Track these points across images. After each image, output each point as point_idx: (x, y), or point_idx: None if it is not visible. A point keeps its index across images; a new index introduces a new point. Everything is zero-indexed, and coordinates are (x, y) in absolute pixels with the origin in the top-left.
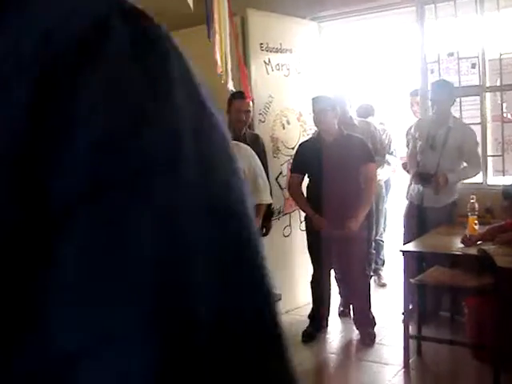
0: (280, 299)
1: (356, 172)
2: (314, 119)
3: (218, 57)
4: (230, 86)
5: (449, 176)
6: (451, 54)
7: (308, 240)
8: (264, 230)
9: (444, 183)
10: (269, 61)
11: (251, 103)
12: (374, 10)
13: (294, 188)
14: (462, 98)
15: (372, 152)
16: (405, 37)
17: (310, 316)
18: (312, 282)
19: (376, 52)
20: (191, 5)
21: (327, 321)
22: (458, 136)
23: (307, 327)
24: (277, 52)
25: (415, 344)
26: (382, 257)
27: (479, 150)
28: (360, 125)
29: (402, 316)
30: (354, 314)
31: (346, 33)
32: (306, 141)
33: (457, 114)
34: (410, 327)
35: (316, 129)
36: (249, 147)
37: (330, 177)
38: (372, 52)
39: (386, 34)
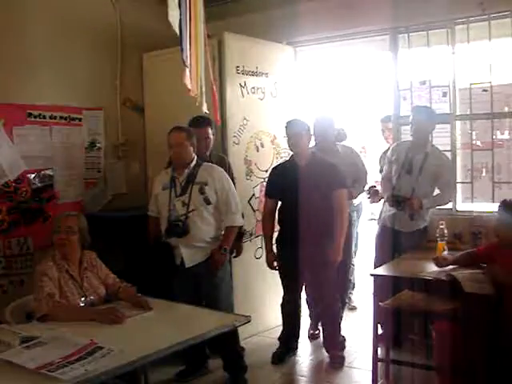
0: (250, 321)
1: (328, 197)
2: (289, 143)
3: (188, 80)
4: (204, 109)
5: (423, 201)
6: (423, 83)
7: (279, 263)
8: (235, 252)
9: (418, 208)
10: (244, 84)
11: (210, 130)
12: (348, 37)
13: (266, 214)
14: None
15: (344, 178)
16: (378, 64)
17: (280, 338)
18: (282, 305)
19: (350, 78)
20: (176, 27)
21: (297, 343)
22: (434, 162)
23: (277, 349)
24: (253, 75)
25: (383, 367)
26: (352, 280)
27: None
28: (342, 150)
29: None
30: (323, 337)
31: (321, 58)
32: (279, 164)
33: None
34: (380, 350)
35: (290, 152)
36: (222, 169)
37: (303, 201)
38: (346, 77)
39: (360, 60)
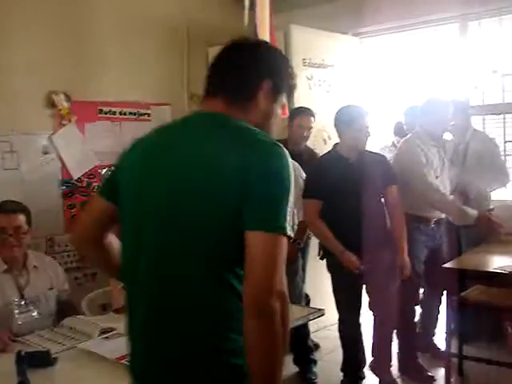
0: (324, 314)
1: (379, 195)
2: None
3: None
4: None
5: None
6: (495, 71)
7: (333, 281)
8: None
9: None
10: (311, 76)
11: (313, 119)
12: (415, 27)
13: (314, 218)
14: (506, 115)
15: (395, 173)
16: (448, 53)
17: (342, 369)
18: (342, 331)
19: (418, 68)
20: (246, 20)
21: (363, 372)
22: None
23: (342, 381)
24: (319, 67)
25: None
26: None
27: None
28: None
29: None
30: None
31: (388, 48)
32: (323, 158)
33: (500, 131)
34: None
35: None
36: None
37: (357, 200)
38: (413, 67)
39: (428, 49)
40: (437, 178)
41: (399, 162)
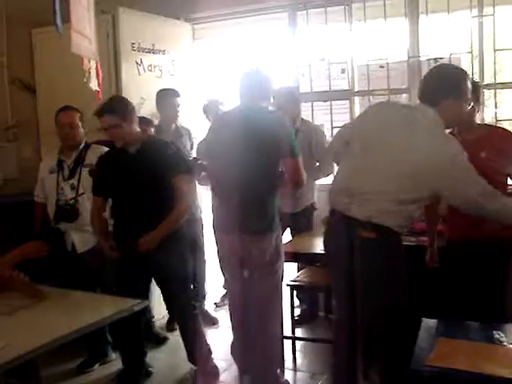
0: (148, 305)
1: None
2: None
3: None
4: (93, 86)
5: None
6: (322, 59)
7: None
8: None
9: None
10: (141, 61)
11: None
12: (247, 14)
13: (95, 213)
14: (333, 102)
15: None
16: (278, 41)
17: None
18: None
19: (249, 56)
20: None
21: None
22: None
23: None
24: (149, 52)
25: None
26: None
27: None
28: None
29: None
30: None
31: (220, 36)
32: (106, 153)
33: (327, 118)
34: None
35: None
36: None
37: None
38: (245, 56)
39: (259, 37)
40: None
41: None
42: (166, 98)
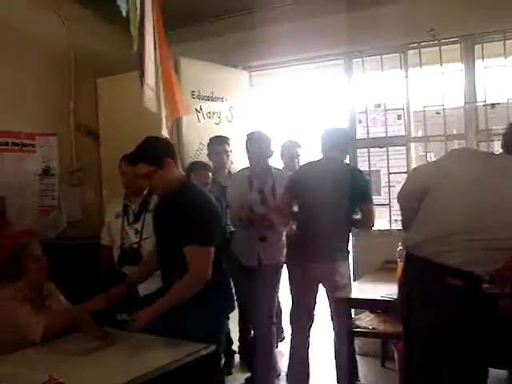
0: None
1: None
2: None
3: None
4: (164, 134)
5: None
6: (378, 106)
7: None
8: None
9: None
10: (200, 108)
11: (227, 147)
12: (303, 62)
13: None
14: (389, 148)
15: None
16: (334, 88)
17: None
18: None
19: (306, 102)
20: (135, 47)
21: None
22: None
23: None
24: (208, 100)
25: None
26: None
27: None
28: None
29: None
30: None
31: (277, 83)
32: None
33: (383, 163)
34: None
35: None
36: None
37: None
38: (302, 102)
39: (315, 84)
40: None
41: None
42: (213, 145)
